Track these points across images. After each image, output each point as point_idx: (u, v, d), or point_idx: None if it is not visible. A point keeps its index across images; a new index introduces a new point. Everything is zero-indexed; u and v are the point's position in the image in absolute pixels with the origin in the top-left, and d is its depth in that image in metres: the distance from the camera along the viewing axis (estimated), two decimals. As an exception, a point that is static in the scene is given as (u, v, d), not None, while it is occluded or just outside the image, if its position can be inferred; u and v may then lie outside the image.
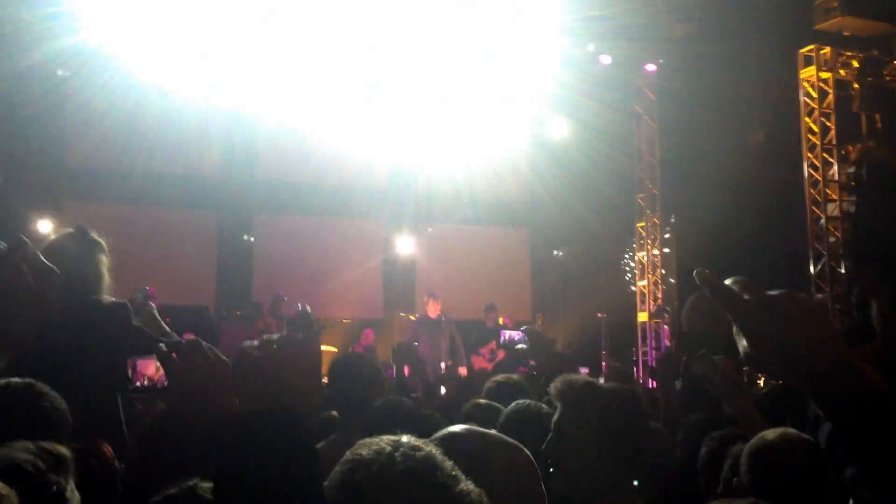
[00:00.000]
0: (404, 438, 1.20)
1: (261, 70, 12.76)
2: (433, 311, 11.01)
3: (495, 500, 1.28)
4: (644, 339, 14.37)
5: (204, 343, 1.47)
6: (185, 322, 11.10)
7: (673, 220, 14.75)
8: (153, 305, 4.92)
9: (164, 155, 12.87)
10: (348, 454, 1.22)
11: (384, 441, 1.19)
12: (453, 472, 1.18)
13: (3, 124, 10.61)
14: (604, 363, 13.01)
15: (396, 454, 1.16)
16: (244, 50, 12.66)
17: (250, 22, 11.85)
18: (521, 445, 1.70)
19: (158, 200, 12.91)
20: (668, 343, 13.65)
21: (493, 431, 1.76)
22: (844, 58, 13.12)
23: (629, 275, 15.52)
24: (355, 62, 13.53)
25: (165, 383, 1.54)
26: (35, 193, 11.23)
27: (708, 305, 5.51)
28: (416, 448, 1.18)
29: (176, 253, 13.00)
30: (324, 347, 11.92)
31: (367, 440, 1.22)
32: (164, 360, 1.42)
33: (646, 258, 14.84)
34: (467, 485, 1.18)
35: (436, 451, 1.19)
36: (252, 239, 13.68)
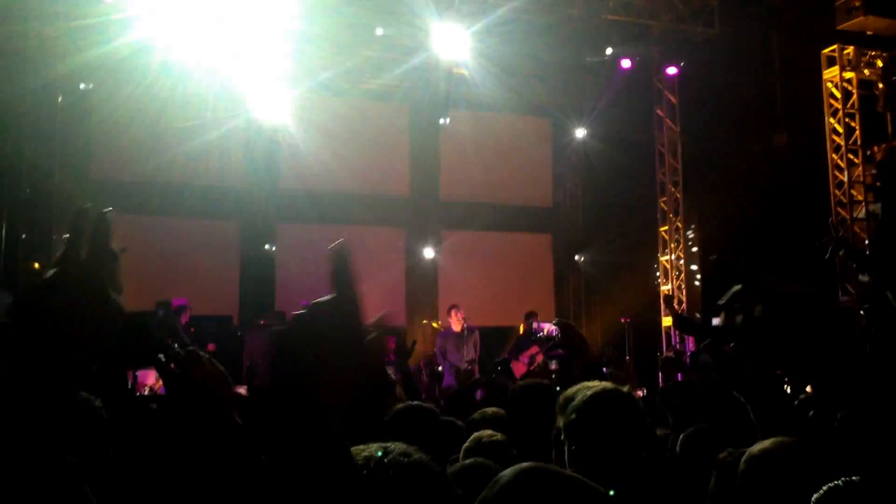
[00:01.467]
0: (392, 445, 1.18)
1: (281, 79, 12.84)
2: (456, 323, 11.02)
3: None
4: (668, 343, 14.26)
5: (203, 353, 1.46)
6: (208, 332, 11.20)
7: (696, 223, 14.64)
8: (177, 318, 4.96)
9: (186, 165, 12.97)
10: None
11: (375, 447, 1.17)
12: (446, 478, 1.16)
13: (27, 137, 10.73)
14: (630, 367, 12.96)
15: (388, 458, 1.15)
16: (264, 61, 12.75)
17: (269, 33, 11.94)
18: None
19: (181, 211, 13.01)
20: (692, 347, 13.53)
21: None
22: (868, 57, 13.00)
23: (657, 278, 15.41)
24: (372, 68, 13.60)
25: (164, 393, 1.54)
26: (60, 206, 11.34)
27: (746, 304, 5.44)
28: (407, 452, 1.17)
29: (199, 263, 13.07)
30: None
31: (357, 447, 1.19)
32: (162, 370, 1.42)
33: (669, 262, 14.74)
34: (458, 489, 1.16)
35: (426, 458, 1.17)
36: (274, 248, 13.73)
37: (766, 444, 2.20)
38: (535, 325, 11.70)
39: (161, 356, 1.42)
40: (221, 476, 1.39)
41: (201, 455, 1.38)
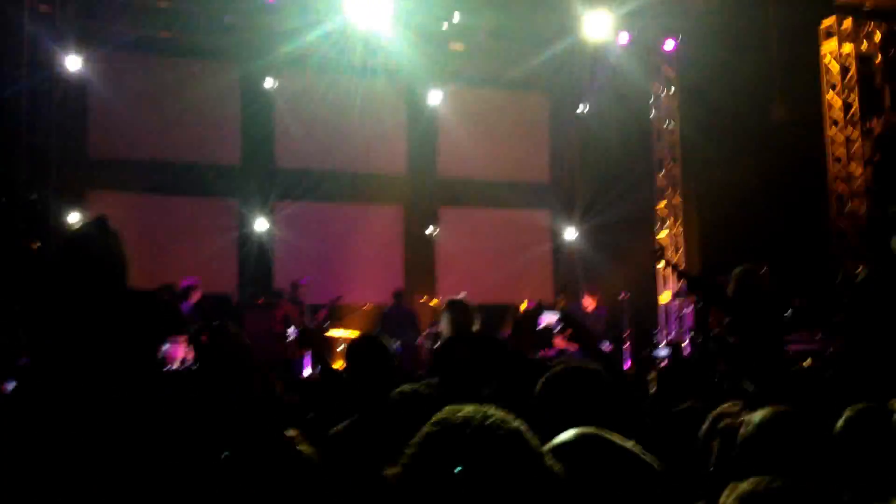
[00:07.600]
0: (491, 410, 1.19)
1: (279, 56, 12.77)
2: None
3: None
4: (667, 320, 14.29)
5: (232, 327, 1.47)
6: (206, 310, 11.19)
7: (694, 199, 14.61)
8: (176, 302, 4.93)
9: (185, 144, 12.92)
10: (435, 418, 1.18)
11: (472, 409, 1.17)
12: (540, 448, 1.17)
13: (26, 118, 10.67)
14: (628, 343, 12.97)
15: (487, 422, 1.15)
16: (264, 37, 12.66)
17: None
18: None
19: (179, 189, 12.99)
20: (691, 323, 13.56)
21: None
22: (866, 30, 12.93)
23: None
24: (371, 46, 13.51)
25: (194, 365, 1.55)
26: (59, 185, 11.32)
27: (757, 278, 5.40)
28: (505, 420, 1.17)
29: (197, 241, 13.04)
30: (346, 333, 11.99)
31: (453, 407, 1.19)
32: (194, 341, 1.43)
33: (667, 238, 14.73)
34: (552, 459, 1.18)
35: (522, 425, 1.18)
36: (272, 226, 13.70)
37: (765, 411, 2.23)
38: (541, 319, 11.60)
39: (192, 329, 1.43)
40: (243, 441, 1.40)
41: (226, 420, 1.39)
